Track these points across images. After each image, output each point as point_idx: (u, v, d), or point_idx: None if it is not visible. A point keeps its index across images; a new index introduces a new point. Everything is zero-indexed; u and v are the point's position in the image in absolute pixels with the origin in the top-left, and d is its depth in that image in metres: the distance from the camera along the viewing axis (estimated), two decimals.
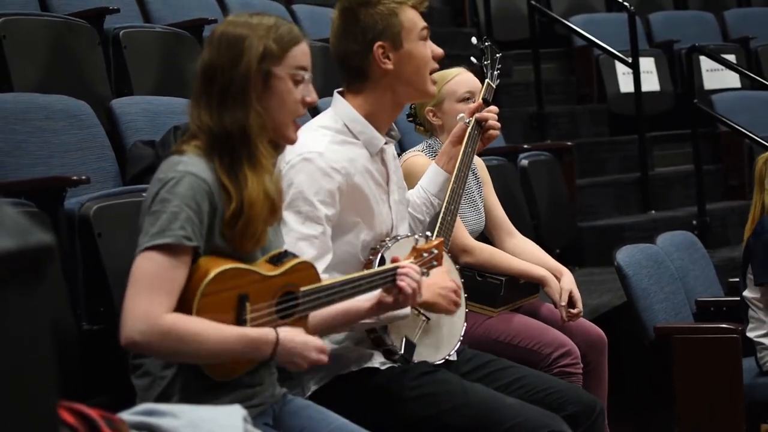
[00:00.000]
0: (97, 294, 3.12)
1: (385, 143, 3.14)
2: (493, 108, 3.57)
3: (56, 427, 1.20)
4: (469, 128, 3.49)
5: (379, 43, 3.08)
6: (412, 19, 3.13)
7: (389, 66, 3.09)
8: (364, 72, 3.10)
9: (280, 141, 2.66)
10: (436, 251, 2.95)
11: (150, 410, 2.01)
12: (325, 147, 3.00)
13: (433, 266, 2.95)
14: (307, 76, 2.64)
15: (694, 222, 6.78)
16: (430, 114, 3.94)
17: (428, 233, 3.03)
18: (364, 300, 2.80)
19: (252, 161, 2.51)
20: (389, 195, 3.16)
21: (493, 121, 3.52)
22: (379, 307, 2.81)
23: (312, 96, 2.65)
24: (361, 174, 3.05)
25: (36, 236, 1.15)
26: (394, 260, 2.84)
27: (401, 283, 2.77)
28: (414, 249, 2.91)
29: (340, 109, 3.10)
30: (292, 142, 2.68)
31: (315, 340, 2.54)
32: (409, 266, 2.79)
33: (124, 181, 3.86)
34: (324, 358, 2.54)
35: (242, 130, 2.51)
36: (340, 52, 3.13)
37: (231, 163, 2.50)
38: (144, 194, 3.25)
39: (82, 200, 3.18)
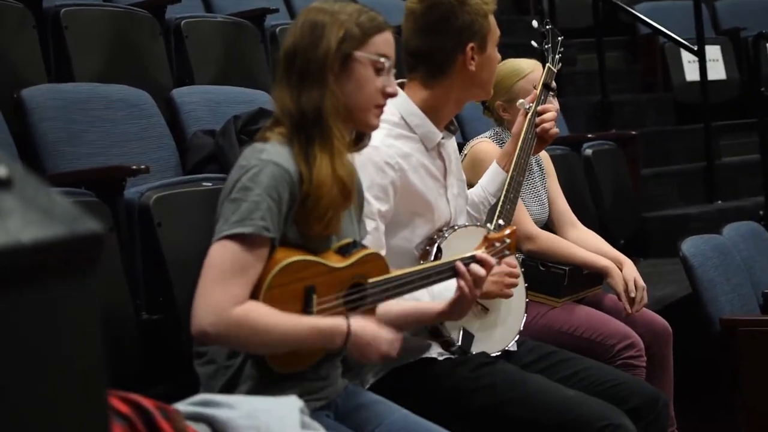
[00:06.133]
0: (156, 283, 3.11)
1: (443, 138, 3.12)
2: (551, 107, 3.51)
3: (106, 416, 1.19)
4: (529, 114, 3.44)
5: (472, 44, 3.07)
6: (494, 23, 3.14)
7: (472, 67, 3.08)
8: (445, 68, 3.08)
9: (360, 127, 2.64)
10: (508, 240, 2.89)
11: (206, 401, 2.00)
12: (381, 141, 2.96)
13: (504, 255, 2.91)
14: (388, 64, 2.61)
15: (761, 212, 6.66)
16: (500, 109, 3.90)
17: (500, 222, 2.97)
18: (436, 302, 2.78)
19: (324, 141, 2.49)
20: (447, 189, 3.13)
21: (549, 123, 3.46)
22: (452, 309, 2.76)
23: (393, 87, 2.63)
24: (416, 170, 3.02)
25: (85, 224, 1.13)
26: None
27: (461, 282, 2.71)
28: (485, 239, 2.85)
29: (399, 102, 3.05)
30: (374, 127, 2.66)
31: (386, 333, 2.52)
32: (481, 256, 2.73)
33: (184, 170, 3.86)
34: (393, 351, 2.53)
35: (317, 110, 2.49)
36: (425, 45, 3.09)
37: (306, 143, 2.48)
38: (204, 183, 3.26)
39: (142, 190, 3.17)
